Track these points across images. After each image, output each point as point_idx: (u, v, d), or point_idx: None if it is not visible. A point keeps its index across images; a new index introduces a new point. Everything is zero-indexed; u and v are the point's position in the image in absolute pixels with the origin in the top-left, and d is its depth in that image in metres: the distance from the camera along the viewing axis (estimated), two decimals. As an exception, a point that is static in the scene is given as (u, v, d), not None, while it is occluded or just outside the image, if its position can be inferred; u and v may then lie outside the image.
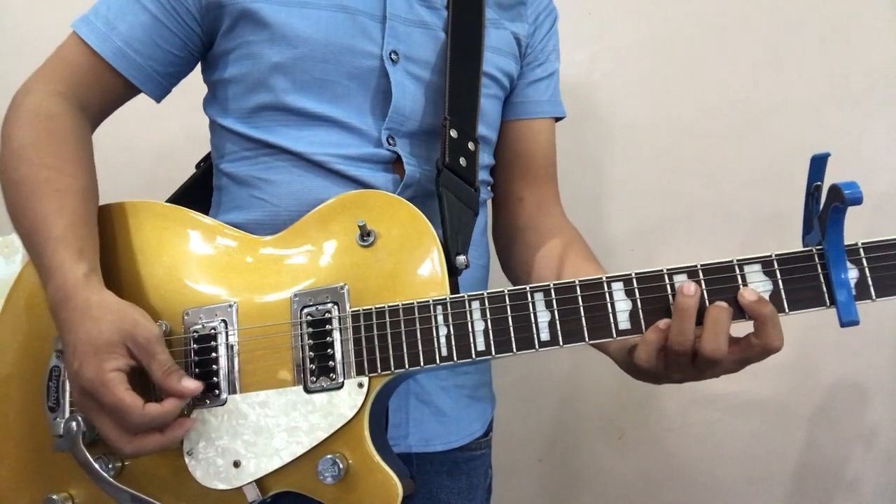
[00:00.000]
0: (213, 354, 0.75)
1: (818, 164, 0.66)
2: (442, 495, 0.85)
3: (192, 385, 0.70)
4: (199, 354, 0.76)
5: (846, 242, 0.66)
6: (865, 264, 0.65)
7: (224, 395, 0.75)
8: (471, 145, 0.85)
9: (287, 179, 0.83)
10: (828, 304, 0.66)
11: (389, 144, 0.83)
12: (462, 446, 0.87)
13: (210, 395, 0.75)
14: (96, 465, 0.71)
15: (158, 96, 0.89)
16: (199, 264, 0.79)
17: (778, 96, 1.32)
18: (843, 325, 0.65)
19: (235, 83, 0.86)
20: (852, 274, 0.66)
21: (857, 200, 0.61)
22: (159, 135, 1.42)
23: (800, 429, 1.32)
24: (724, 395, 1.34)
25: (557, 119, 1.01)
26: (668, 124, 1.37)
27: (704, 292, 0.67)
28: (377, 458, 0.71)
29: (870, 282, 0.65)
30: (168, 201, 0.96)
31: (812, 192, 0.67)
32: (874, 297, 0.65)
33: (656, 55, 1.37)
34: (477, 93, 0.87)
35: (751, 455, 1.34)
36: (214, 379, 0.75)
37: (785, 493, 1.34)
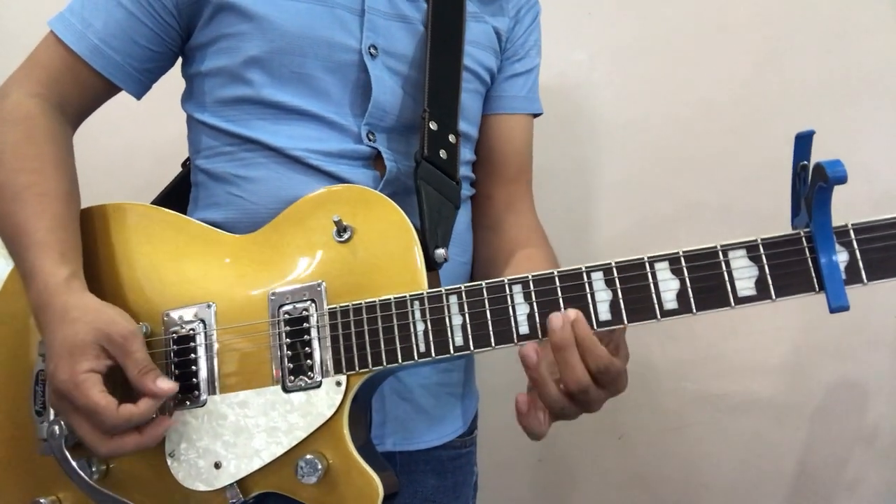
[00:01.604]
0: (192, 355, 0.75)
1: (803, 143, 0.63)
2: (428, 494, 0.84)
3: (166, 386, 0.70)
4: (178, 356, 0.75)
5: (836, 224, 0.63)
6: (856, 246, 0.62)
7: (204, 396, 0.74)
8: (451, 138, 0.83)
9: (265, 176, 0.82)
10: (817, 289, 0.63)
11: (369, 140, 0.82)
12: (446, 444, 0.86)
13: (190, 396, 0.74)
14: (77, 468, 0.71)
15: (138, 93, 0.88)
16: (179, 265, 0.79)
17: (778, 96, 1.31)
18: (832, 310, 0.62)
19: (213, 77, 0.85)
20: (842, 257, 0.63)
21: (842, 179, 0.58)
22: (159, 135, 1.42)
23: (800, 429, 1.31)
24: (724, 395, 1.33)
25: (535, 116, 0.99)
26: (668, 124, 1.36)
27: (687, 279, 0.65)
28: (357, 457, 0.70)
29: (860, 264, 0.62)
30: (155, 200, 0.96)
31: (798, 173, 0.65)
32: (865, 281, 0.62)
33: (656, 55, 1.36)
34: (458, 87, 0.85)
35: (751, 455, 1.33)
36: (194, 380, 0.74)
37: (785, 493, 1.33)
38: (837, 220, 0.62)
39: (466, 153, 0.91)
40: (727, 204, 1.31)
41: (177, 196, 0.94)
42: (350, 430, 0.71)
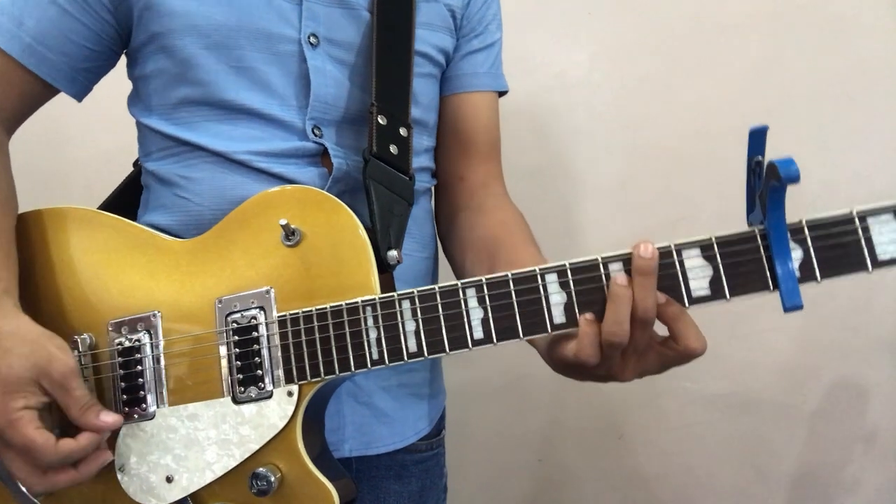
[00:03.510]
0: (139, 367, 0.72)
1: (757, 138, 0.62)
2: (391, 500, 0.83)
3: (110, 419, 0.68)
4: (124, 368, 0.73)
5: (790, 220, 0.62)
6: (810, 243, 0.62)
7: (152, 409, 0.72)
8: (402, 131, 0.80)
9: (209, 177, 0.79)
10: (771, 288, 0.62)
11: (315, 135, 0.79)
12: (409, 447, 0.84)
13: (138, 409, 0.72)
14: (22, 488, 0.69)
15: (78, 94, 0.84)
16: (123, 272, 0.76)
17: (778, 96, 1.31)
18: (786, 310, 0.61)
19: (154, 79, 0.81)
20: (796, 254, 0.62)
21: (794, 178, 0.57)
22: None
23: (800, 429, 1.31)
24: (724, 395, 1.33)
25: (501, 94, 0.96)
26: (668, 124, 1.35)
27: (642, 280, 0.63)
28: (312, 468, 0.68)
29: (814, 262, 0.61)
30: (105, 202, 0.93)
31: (753, 168, 0.63)
32: (819, 279, 0.61)
33: (656, 55, 1.36)
34: (408, 74, 0.82)
35: (751, 455, 1.33)
36: (141, 392, 0.72)
37: (785, 494, 1.33)
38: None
39: (424, 141, 0.88)
40: (726, 204, 1.30)
41: (127, 198, 0.91)
42: (304, 440, 0.69)
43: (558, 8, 1.32)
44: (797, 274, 0.61)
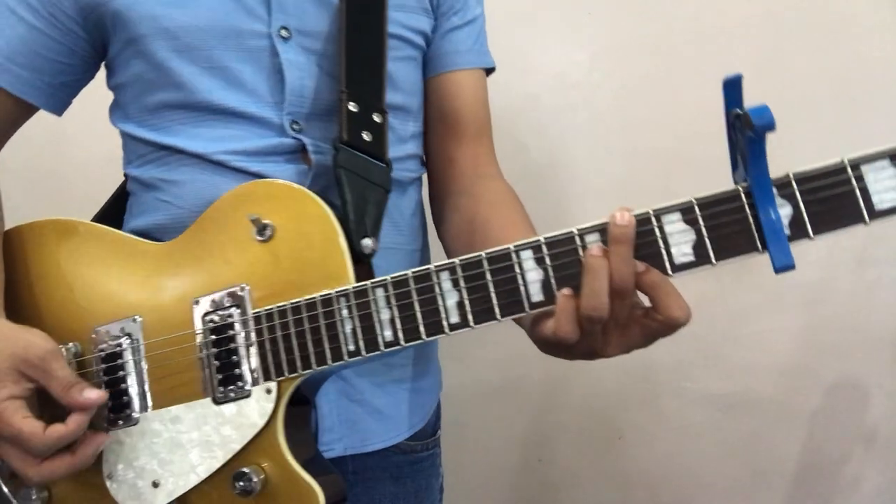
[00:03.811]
0: (121, 373, 0.72)
1: (732, 89, 0.58)
2: (386, 502, 0.81)
3: (94, 395, 0.67)
4: (107, 374, 0.72)
5: (777, 175, 0.58)
6: (799, 198, 0.57)
7: (137, 414, 0.71)
8: (377, 117, 0.78)
9: (189, 179, 0.78)
10: (760, 249, 0.58)
11: (294, 130, 0.78)
12: (405, 448, 0.82)
13: (122, 414, 0.71)
14: (12, 499, 0.69)
15: (57, 109, 0.85)
16: (105, 279, 0.76)
17: (778, 96, 1.26)
18: (777, 270, 0.57)
19: (130, 86, 0.81)
20: (784, 211, 0.57)
21: (769, 125, 0.53)
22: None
23: (800, 429, 1.30)
24: (724, 395, 1.32)
25: (489, 72, 0.93)
26: (668, 124, 1.33)
27: (620, 251, 0.60)
28: (295, 465, 0.66)
29: (805, 217, 0.57)
30: (98, 213, 0.93)
31: (732, 123, 0.59)
32: (812, 235, 0.57)
33: (656, 55, 1.34)
34: (381, 58, 0.80)
35: (751, 455, 1.32)
36: (125, 398, 0.71)
37: (785, 493, 1.32)
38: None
39: (409, 127, 0.86)
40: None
41: (120, 206, 0.91)
42: (287, 438, 0.67)
43: (558, 8, 1.32)
44: (787, 231, 0.57)
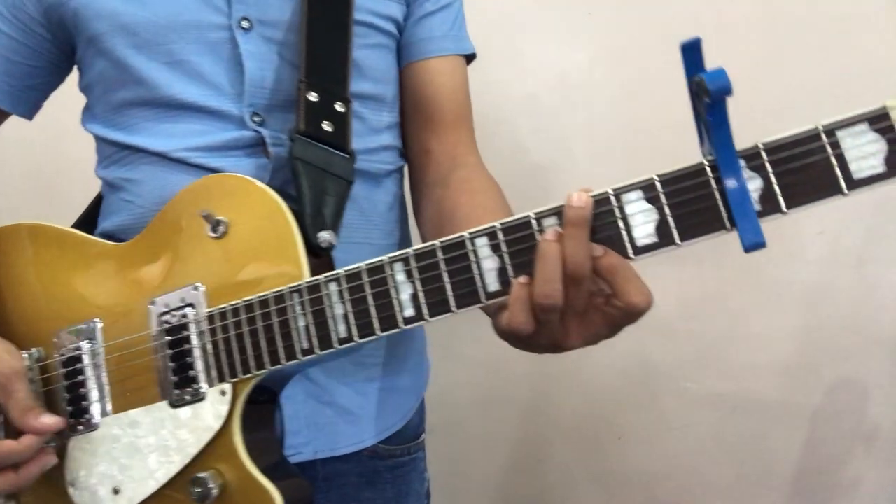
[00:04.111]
0: (81, 377, 0.70)
1: (691, 54, 0.53)
2: None
3: (49, 421, 0.66)
4: (67, 378, 0.71)
5: (746, 146, 0.53)
6: (770, 169, 0.52)
7: (97, 419, 0.69)
8: (339, 106, 0.75)
9: (150, 177, 0.76)
10: (728, 226, 0.53)
11: (255, 122, 0.75)
12: (384, 453, 0.79)
13: (82, 420, 0.70)
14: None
15: (27, 112, 0.84)
16: (67, 282, 0.74)
17: (778, 96, 1.25)
18: (747, 249, 0.52)
19: (96, 86, 0.80)
20: (754, 184, 0.52)
21: (724, 89, 0.49)
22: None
23: (800, 429, 1.27)
24: (724, 395, 1.29)
25: (470, 60, 0.89)
26: (668, 124, 1.30)
27: (579, 234, 0.55)
28: (253, 470, 0.64)
29: (777, 190, 0.52)
30: (81, 216, 0.93)
31: (696, 91, 0.54)
32: (785, 209, 0.52)
33: (656, 55, 1.28)
34: (345, 46, 0.77)
35: (751, 455, 1.29)
36: (84, 403, 0.70)
37: (785, 493, 1.29)
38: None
39: (384, 117, 0.83)
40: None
41: (97, 212, 0.90)
42: (246, 442, 0.65)
43: (558, 8, 1.30)
44: (757, 206, 0.52)
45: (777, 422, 1.28)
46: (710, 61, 1.46)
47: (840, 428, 1.26)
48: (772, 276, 1.23)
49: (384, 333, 0.61)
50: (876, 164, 0.50)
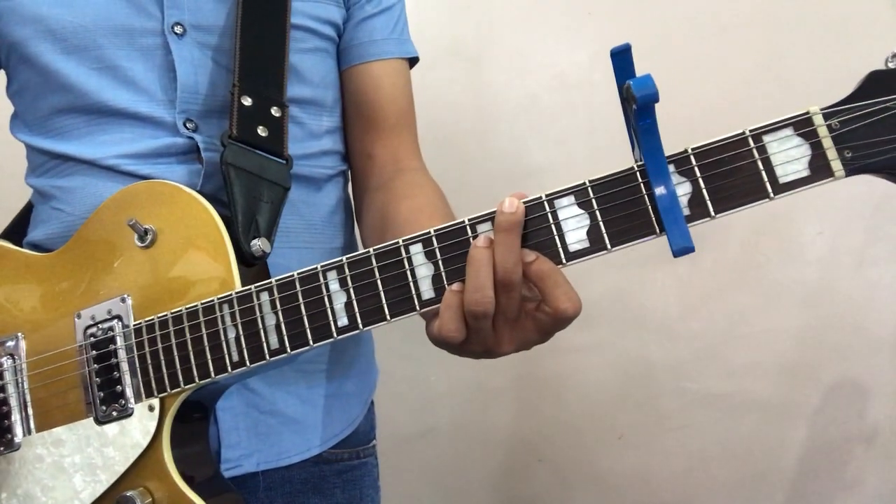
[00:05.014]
0: (2, 394, 0.67)
1: (622, 61, 0.53)
2: None
3: None
4: (-12, 397, 0.68)
5: (675, 151, 0.53)
6: (698, 174, 0.52)
7: (18, 439, 0.66)
8: (275, 111, 0.73)
9: (81, 186, 0.74)
10: (657, 231, 0.53)
11: (187, 129, 0.73)
12: (331, 457, 0.77)
13: (3, 440, 0.67)
14: None
15: None
16: (-11, 296, 0.71)
17: (778, 96, 1.27)
18: (675, 253, 0.52)
19: (23, 93, 0.77)
20: (683, 189, 0.52)
21: (650, 97, 0.48)
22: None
23: (800, 429, 1.29)
24: (724, 395, 1.30)
25: (413, 63, 0.88)
26: (668, 124, 1.30)
27: (512, 240, 0.55)
28: (183, 487, 0.61)
29: (705, 195, 0.52)
30: (8, 226, 0.89)
31: (625, 97, 0.54)
32: (713, 213, 0.52)
33: (656, 55, 1.32)
34: (281, 51, 0.75)
35: (751, 455, 1.30)
36: (6, 422, 0.67)
37: (785, 493, 1.30)
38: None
39: (324, 122, 0.81)
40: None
41: (26, 222, 0.87)
42: (176, 458, 0.62)
43: (558, 8, 1.31)
44: (686, 211, 0.52)
45: (777, 422, 1.29)
46: (711, 61, 1.47)
47: (840, 428, 1.27)
48: (772, 276, 1.23)
49: (317, 344, 0.59)
50: (800, 169, 0.51)
